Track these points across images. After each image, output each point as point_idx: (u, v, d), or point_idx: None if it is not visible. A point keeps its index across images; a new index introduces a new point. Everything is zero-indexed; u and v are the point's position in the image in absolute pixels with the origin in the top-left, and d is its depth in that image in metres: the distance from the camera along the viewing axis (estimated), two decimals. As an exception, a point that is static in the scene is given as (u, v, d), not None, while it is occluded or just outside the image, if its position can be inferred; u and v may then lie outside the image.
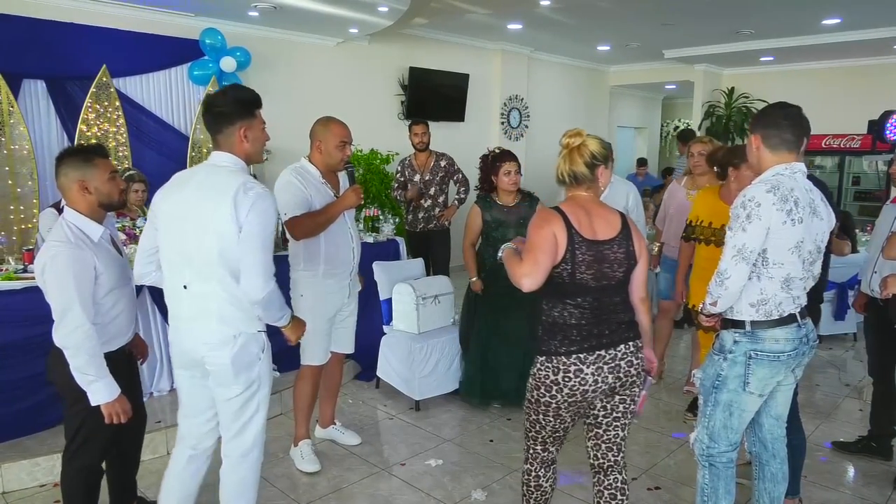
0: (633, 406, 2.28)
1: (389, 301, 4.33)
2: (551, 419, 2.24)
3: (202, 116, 2.28)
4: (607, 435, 2.31)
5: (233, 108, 2.22)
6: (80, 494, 2.47)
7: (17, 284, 3.33)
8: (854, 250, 4.88)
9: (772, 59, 8.91)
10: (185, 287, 2.22)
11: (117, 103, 5.42)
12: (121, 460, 2.69)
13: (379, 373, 4.39)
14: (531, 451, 2.38)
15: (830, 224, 2.32)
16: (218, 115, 2.22)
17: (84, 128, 5.26)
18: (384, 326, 4.40)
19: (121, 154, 5.43)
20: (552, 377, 2.15)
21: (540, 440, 2.34)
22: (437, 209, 5.50)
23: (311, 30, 6.68)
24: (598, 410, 2.27)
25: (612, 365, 2.16)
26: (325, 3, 5.62)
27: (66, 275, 2.23)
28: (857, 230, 6.01)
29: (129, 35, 5.59)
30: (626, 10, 6.51)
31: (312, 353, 3.29)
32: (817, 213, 2.24)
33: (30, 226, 5.04)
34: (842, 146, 8.85)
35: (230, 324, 2.22)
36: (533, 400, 2.24)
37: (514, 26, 7.47)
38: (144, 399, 3.12)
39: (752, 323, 2.26)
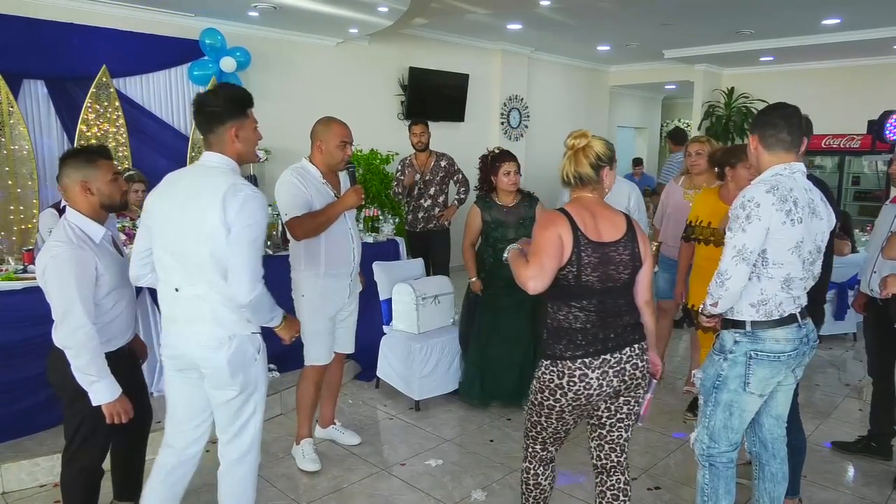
0: (637, 408, 2.28)
1: (389, 301, 4.33)
2: (553, 421, 2.24)
3: (193, 116, 2.25)
4: (611, 436, 2.31)
5: (224, 108, 2.18)
6: (80, 495, 2.47)
7: (17, 285, 3.33)
8: (853, 250, 4.88)
9: (772, 59, 8.91)
10: (176, 290, 2.20)
11: (117, 103, 5.42)
12: (127, 455, 2.69)
13: (379, 373, 4.40)
14: (530, 450, 2.38)
15: (830, 224, 2.32)
16: (209, 114, 2.19)
17: (84, 128, 5.26)
18: (384, 326, 4.40)
19: (121, 154, 5.43)
20: (557, 381, 2.15)
21: (540, 440, 2.34)
22: (437, 209, 5.50)
23: (310, 30, 6.68)
24: (602, 412, 2.27)
25: (618, 368, 2.16)
26: (324, 4, 5.62)
27: (68, 275, 2.23)
28: (856, 230, 6.02)
29: (129, 35, 5.59)
30: (626, 10, 6.51)
31: (316, 354, 3.29)
32: (817, 213, 2.24)
33: (30, 226, 5.04)
34: (842, 146, 8.84)
35: (224, 325, 2.20)
36: (536, 402, 2.24)
37: (514, 26, 7.47)
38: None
39: (753, 323, 2.26)
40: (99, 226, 2.41)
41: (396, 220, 5.62)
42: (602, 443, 2.33)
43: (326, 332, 3.28)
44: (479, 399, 4.15)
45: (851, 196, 9.28)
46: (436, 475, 3.35)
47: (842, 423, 4.01)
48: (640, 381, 2.23)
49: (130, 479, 2.74)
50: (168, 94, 5.93)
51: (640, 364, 2.21)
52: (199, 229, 2.10)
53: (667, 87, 11.32)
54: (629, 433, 2.33)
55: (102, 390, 2.29)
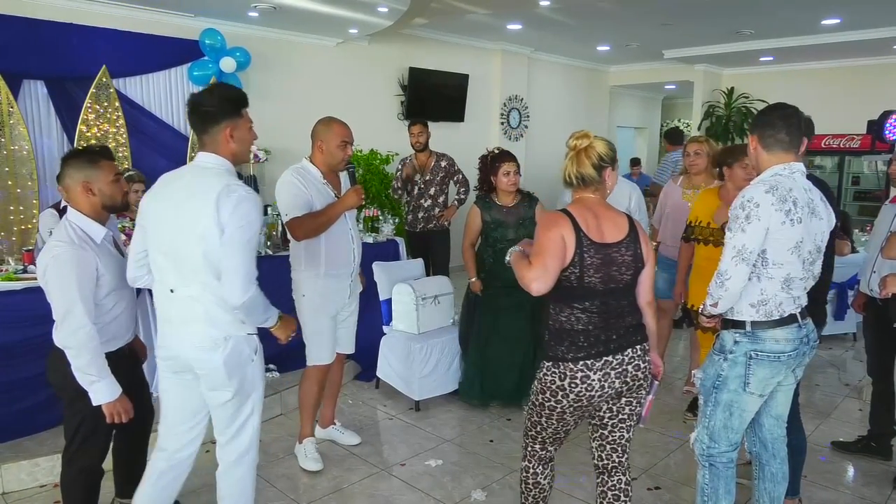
0: (639, 408, 2.28)
1: (389, 301, 4.33)
2: (554, 422, 2.24)
3: (188, 116, 2.23)
4: (612, 436, 2.31)
5: (219, 108, 2.17)
6: (80, 495, 2.47)
7: (17, 285, 3.34)
8: (852, 250, 4.88)
9: (771, 59, 8.91)
10: (171, 291, 2.19)
11: (117, 104, 5.42)
12: (129, 455, 2.69)
13: (379, 373, 4.40)
14: (529, 449, 2.38)
15: (830, 224, 2.32)
16: (203, 114, 2.17)
17: (84, 128, 5.26)
18: (384, 327, 4.40)
19: (120, 154, 5.43)
20: (558, 382, 2.15)
21: (539, 440, 2.34)
22: (437, 209, 5.50)
23: (310, 30, 6.68)
24: (604, 413, 2.27)
25: (620, 370, 2.16)
26: (324, 4, 5.62)
27: (69, 275, 2.23)
28: (856, 230, 6.02)
29: (129, 35, 5.59)
30: (626, 10, 6.50)
31: (318, 354, 3.29)
32: (816, 213, 2.24)
33: (29, 226, 5.05)
34: (841, 146, 8.85)
35: (219, 327, 2.18)
36: (537, 403, 2.24)
37: (514, 26, 7.47)
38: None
39: (753, 323, 2.26)
40: (100, 226, 2.41)
41: (396, 220, 5.63)
42: (603, 443, 2.33)
43: (328, 332, 3.28)
44: (479, 399, 4.15)
45: (851, 196, 9.29)
46: (436, 475, 3.35)
47: (842, 423, 4.01)
48: (642, 382, 2.22)
49: (132, 479, 2.73)
50: (168, 95, 5.93)
51: (643, 365, 2.21)
52: (192, 230, 2.09)
53: (667, 87, 11.32)
54: (631, 434, 2.32)
55: (103, 390, 2.29)
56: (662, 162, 7.75)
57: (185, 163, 5.71)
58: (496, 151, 4.03)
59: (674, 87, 11.18)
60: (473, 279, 4.09)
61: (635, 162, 10.02)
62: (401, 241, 5.18)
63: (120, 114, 5.44)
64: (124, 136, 5.48)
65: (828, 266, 2.65)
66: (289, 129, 6.23)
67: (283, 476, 3.32)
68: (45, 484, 3.17)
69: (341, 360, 3.61)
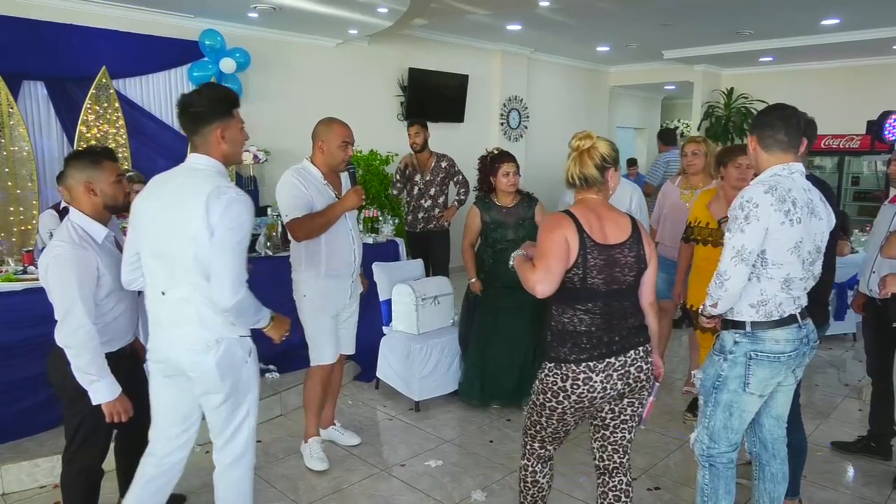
0: (640, 409, 2.27)
1: (389, 302, 4.34)
2: (554, 422, 2.24)
3: (178, 118, 2.20)
4: (614, 437, 2.31)
5: (209, 108, 2.13)
6: (80, 495, 2.47)
7: (17, 286, 3.34)
8: (850, 250, 4.88)
9: (771, 59, 8.92)
10: (162, 293, 2.17)
11: (117, 104, 5.42)
12: (131, 455, 2.69)
13: (378, 373, 4.40)
14: (528, 447, 2.38)
15: (830, 224, 2.32)
16: (193, 115, 2.14)
17: (84, 129, 5.26)
18: (384, 327, 4.40)
19: (120, 155, 5.42)
20: (560, 384, 2.14)
21: (538, 439, 2.34)
22: (437, 210, 5.50)
23: (310, 31, 6.69)
24: (606, 414, 2.27)
25: (622, 372, 2.15)
26: (324, 5, 5.62)
27: (69, 275, 2.24)
28: (856, 230, 6.02)
29: (129, 36, 5.59)
30: (626, 10, 6.51)
31: (321, 354, 3.29)
32: (816, 213, 2.24)
33: (29, 227, 5.05)
34: (841, 146, 8.86)
35: (211, 329, 2.16)
36: (538, 403, 2.24)
37: (514, 27, 7.48)
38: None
39: (753, 324, 2.26)
40: (101, 226, 2.42)
41: (396, 220, 5.63)
42: (605, 444, 2.33)
43: (330, 332, 3.28)
44: (479, 399, 4.15)
45: (851, 196, 9.29)
46: (435, 476, 3.35)
47: (841, 424, 4.01)
48: (644, 383, 2.22)
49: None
50: (168, 96, 5.93)
51: (645, 367, 2.21)
52: (183, 232, 2.07)
53: (666, 87, 11.32)
54: (632, 435, 2.32)
55: (102, 389, 2.29)
56: (654, 162, 7.77)
57: (185, 163, 5.76)
58: (495, 152, 4.03)
59: (673, 87, 11.19)
60: (473, 280, 4.09)
61: (632, 162, 10.03)
62: (401, 241, 5.18)
63: (120, 114, 5.44)
64: (124, 136, 5.48)
65: (829, 266, 2.65)
66: (288, 129, 6.24)
67: (284, 476, 3.32)
68: (45, 485, 3.17)
69: (341, 361, 3.61)
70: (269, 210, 4.84)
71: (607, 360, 2.13)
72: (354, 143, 3.26)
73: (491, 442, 3.73)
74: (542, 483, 2.40)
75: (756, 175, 2.34)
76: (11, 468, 3.14)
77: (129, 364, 2.53)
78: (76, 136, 5.23)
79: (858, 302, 3.56)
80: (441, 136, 7.08)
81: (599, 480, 2.39)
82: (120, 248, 2.51)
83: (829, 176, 9.05)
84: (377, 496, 3.15)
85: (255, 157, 6.08)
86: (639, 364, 2.19)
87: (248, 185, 6.15)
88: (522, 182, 4.05)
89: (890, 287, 2.82)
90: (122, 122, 5.45)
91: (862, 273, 3.51)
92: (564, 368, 2.13)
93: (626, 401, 2.24)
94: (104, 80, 5.34)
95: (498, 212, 3.98)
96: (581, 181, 2.20)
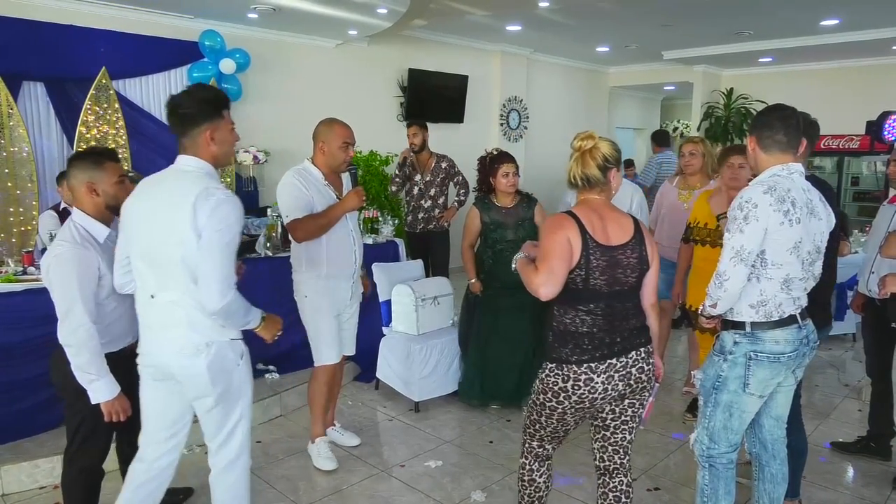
0: (641, 410, 2.27)
1: (389, 302, 4.34)
2: (554, 422, 2.24)
3: (167, 119, 2.16)
4: (614, 438, 2.31)
5: (198, 109, 2.11)
6: (81, 495, 2.48)
7: (17, 286, 3.34)
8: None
9: (771, 59, 8.92)
10: (152, 296, 2.15)
11: (117, 105, 5.42)
12: (132, 454, 2.69)
13: (378, 374, 4.40)
14: (526, 446, 2.38)
15: (830, 224, 2.32)
16: (182, 116, 2.12)
17: (84, 130, 5.26)
18: (383, 328, 4.40)
19: (120, 156, 5.41)
20: (561, 384, 2.14)
21: (537, 437, 2.34)
22: (437, 210, 5.50)
23: (310, 31, 6.69)
24: (607, 414, 2.27)
25: (624, 373, 2.15)
26: (324, 5, 5.63)
27: (70, 274, 2.25)
28: (856, 230, 6.02)
29: (129, 37, 5.59)
30: (626, 10, 6.51)
31: (324, 353, 3.29)
32: (815, 214, 2.24)
33: (29, 228, 5.04)
34: (841, 147, 8.86)
35: (201, 332, 2.13)
36: (538, 402, 2.24)
37: (514, 27, 7.48)
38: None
39: (753, 324, 2.26)
40: (104, 226, 2.43)
41: (396, 221, 5.63)
42: (605, 444, 2.33)
43: (332, 332, 3.28)
44: (479, 400, 4.15)
45: (850, 196, 9.30)
46: (435, 476, 3.35)
47: (841, 424, 4.01)
48: (645, 384, 2.22)
49: None
50: (168, 96, 5.91)
51: (646, 368, 2.21)
52: (171, 234, 2.05)
53: (666, 88, 11.32)
54: (633, 435, 2.32)
55: (101, 388, 2.29)
56: (647, 163, 7.78)
57: (185, 164, 5.76)
58: (495, 152, 4.04)
59: (673, 87, 11.19)
60: (473, 280, 4.09)
61: (629, 163, 10.03)
62: (400, 242, 5.18)
63: (120, 115, 5.43)
64: (124, 137, 5.48)
65: (830, 267, 2.65)
66: (288, 130, 6.24)
67: (283, 477, 3.33)
68: (45, 485, 3.17)
69: (341, 362, 3.61)
70: (269, 210, 4.84)
71: (609, 361, 2.13)
72: (355, 144, 3.26)
73: (491, 442, 3.74)
74: (539, 482, 2.39)
75: (755, 175, 2.34)
76: (11, 469, 3.14)
77: (129, 364, 2.53)
78: (76, 137, 5.23)
79: (858, 302, 3.56)
80: (441, 137, 7.08)
81: (600, 481, 2.39)
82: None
83: (829, 176, 9.05)
84: (377, 497, 3.15)
85: (255, 157, 6.08)
86: (640, 365, 2.19)
87: (248, 185, 6.15)
88: (522, 183, 4.05)
89: (889, 287, 2.82)
90: (121, 122, 5.45)
91: (861, 273, 3.51)
92: (566, 369, 2.13)
93: (626, 402, 2.24)
94: (104, 81, 5.34)
95: (497, 212, 3.98)
96: (583, 181, 2.19)
